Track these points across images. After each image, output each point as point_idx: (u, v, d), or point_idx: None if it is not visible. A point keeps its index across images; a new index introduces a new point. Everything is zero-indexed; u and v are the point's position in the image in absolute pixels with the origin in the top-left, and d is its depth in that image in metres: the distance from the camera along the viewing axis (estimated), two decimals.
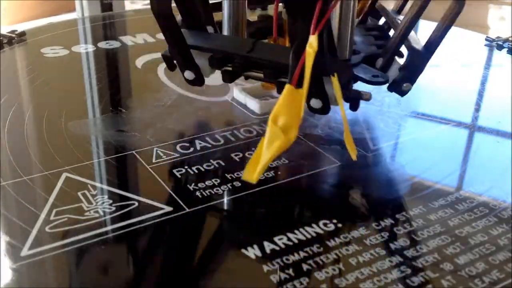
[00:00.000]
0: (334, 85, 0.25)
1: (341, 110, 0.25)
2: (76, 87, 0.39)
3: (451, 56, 0.47)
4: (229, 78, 0.31)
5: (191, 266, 0.22)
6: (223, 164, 0.29)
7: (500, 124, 0.34)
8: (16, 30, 0.48)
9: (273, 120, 0.22)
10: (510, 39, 0.48)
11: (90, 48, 0.46)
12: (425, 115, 0.35)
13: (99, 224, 0.24)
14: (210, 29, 0.33)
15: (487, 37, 0.50)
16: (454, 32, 0.53)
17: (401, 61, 0.31)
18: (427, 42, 0.29)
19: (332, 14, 0.28)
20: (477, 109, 0.37)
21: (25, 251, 0.22)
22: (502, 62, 0.46)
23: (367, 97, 0.28)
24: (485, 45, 0.49)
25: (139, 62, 0.43)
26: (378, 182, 0.28)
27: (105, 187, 0.27)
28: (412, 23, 0.28)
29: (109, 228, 0.24)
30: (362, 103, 0.29)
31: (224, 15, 0.32)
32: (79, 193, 0.26)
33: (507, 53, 0.47)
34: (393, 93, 0.31)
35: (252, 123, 0.33)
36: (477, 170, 0.29)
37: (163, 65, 0.42)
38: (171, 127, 0.33)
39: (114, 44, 0.47)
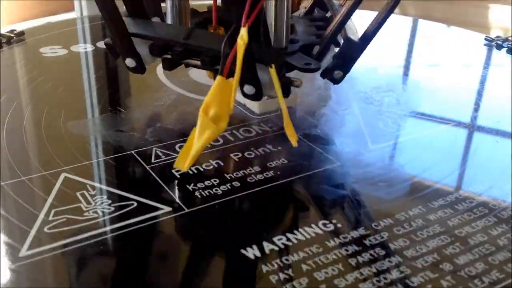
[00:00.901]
0: (272, 76, 0.25)
1: (280, 101, 0.25)
2: (75, 87, 0.39)
3: (450, 56, 0.47)
4: (169, 66, 0.31)
5: (190, 267, 0.22)
6: (222, 164, 0.29)
7: (499, 124, 0.34)
8: (15, 30, 0.48)
9: (203, 111, 0.23)
10: (509, 38, 0.48)
11: (89, 47, 0.46)
12: (425, 115, 0.35)
13: (98, 225, 0.24)
14: (157, 19, 0.33)
15: (486, 36, 0.50)
16: (454, 32, 0.54)
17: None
18: (363, 33, 0.30)
19: (268, 4, 0.28)
20: (476, 109, 0.37)
21: (23, 252, 0.22)
22: (501, 62, 0.45)
23: (298, 84, 0.28)
24: (484, 44, 0.49)
25: None
26: (378, 182, 0.28)
27: (104, 187, 0.27)
28: (348, 14, 0.29)
29: (108, 228, 0.24)
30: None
31: (168, 4, 0.32)
32: (78, 193, 0.26)
33: (507, 52, 0.47)
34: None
35: (251, 123, 0.33)
36: (476, 170, 0.29)
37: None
38: (170, 127, 0.33)
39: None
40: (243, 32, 0.22)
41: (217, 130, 0.23)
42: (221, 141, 0.31)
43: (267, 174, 0.28)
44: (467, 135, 0.33)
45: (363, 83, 0.39)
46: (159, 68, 0.41)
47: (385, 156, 0.30)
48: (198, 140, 0.22)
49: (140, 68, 0.32)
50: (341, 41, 0.31)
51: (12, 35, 0.47)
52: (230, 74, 0.23)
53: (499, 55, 0.47)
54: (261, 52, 0.27)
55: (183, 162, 0.23)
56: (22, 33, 0.48)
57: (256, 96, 0.29)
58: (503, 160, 0.30)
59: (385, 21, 0.29)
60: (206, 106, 0.23)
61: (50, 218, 0.24)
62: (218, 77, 0.23)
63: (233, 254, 0.22)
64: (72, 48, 0.46)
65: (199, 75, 0.40)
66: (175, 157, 0.29)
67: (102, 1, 0.29)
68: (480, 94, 0.39)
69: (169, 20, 0.33)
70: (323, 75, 0.31)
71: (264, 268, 0.22)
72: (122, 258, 0.23)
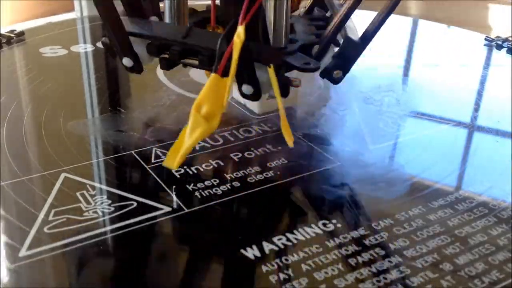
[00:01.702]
0: (270, 76, 0.25)
1: (278, 101, 0.25)
2: (75, 87, 0.39)
3: (450, 56, 0.47)
4: (166, 65, 0.31)
5: (190, 267, 0.22)
6: (222, 164, 0.29)
7: (499, 124, 0.34)
8: (15, 30, 0.48)
9: (196, 108, 0.22)
10: (509, 38, 0.48)
11: (89, 47, 0.46)
12: (425, 115, 0.35)
13: (98, 225, 0.24)
14: (155, 18, 0.33)
15: (486, 36, 0.49)
16: (454, 32, 0.54)
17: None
18: (363, 33, 0.29)
19: (267, 3, 0.28)
20: (476, 109, 0.37)
21: (23, 252, 0.22)
22: (501, 62, 0.45)
23: (297, 84, 0.28)
24: (484, 45, 0.49)
25: None
26: (378, 182, 0.28)
27: (104, 187, 0.27)
28: (348, 14, 0.29)
29: (108, 228, 0.24)
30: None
31: (166, 4, 0.32)
32: (77, 194, 0.26)
33: (507, 53, 0.47)
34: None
35: (251, 123, 0.33)
36: (476, 170, 0.29)
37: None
38: (170, 127, 0.33)
39: None
40: (240, 30, 0.22)
41: (209, 128, 0.22)
42: (221, 141, 0.31)
43: (267, 174, 0.28)
44: (467, 135, 0.33)
45: (363, 83, 0.39)
46: (159, 68, 0.41)
47: (385, 156, 0.30)
48: (189, 138, 0.22)
49: (137, 67, 0.31)
50: (341, 41, 0.31)
51: (12, 35, 0.47)
52: (226, 72, 0.23)
53: (499, 55, 0.47)
54: (259, 51, 0.27)
55: (173, 160, 0.22)
56: (22, 33, 0.48)
57: (255, 96, 0.29)
58: (503, 160, 0.30)
59: (385, 20, 0.29)
60: (199, 103, 0.22)
61: (50, 218, 0.24)
62: (212, 75, 0.23)
63: (233, 254, 0.22)
64: (72, 48, 0.46)
65: (199, 75, 0.40)
66: None
67: (100, 0, 0.29)
68: (480, 94, 0.39)
69: (167, 19, 0.32)
70: (323, 75, 0.30)
71: (264, 268, 0.22)
72: (122, 258, 0.23)
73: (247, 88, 0.28)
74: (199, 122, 0.22)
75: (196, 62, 0.30)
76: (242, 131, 0.32)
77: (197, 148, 0.30)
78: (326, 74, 0.30)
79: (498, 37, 0.49)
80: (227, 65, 0.22)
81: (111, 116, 0.34)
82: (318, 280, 0.21)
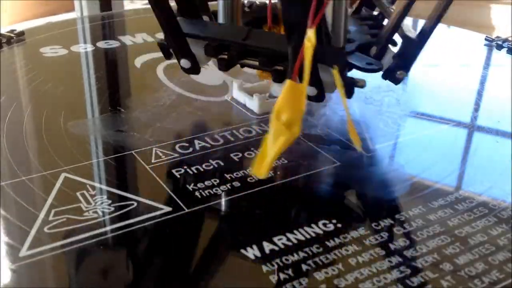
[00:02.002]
0: (335, 78, 0.24)
1: (343, 101, 0.25)
2: (75, 87, 0.39)
3: (450, 56, 0.47)
4: (224, 66, 0.31)
5: (190, 267, 0.22)
6: (222, 164, 0.29)
7: (499, 124, 0.34)
8: (15, 30, 0.48)
9: (276, 116, 0.22)
10: (509, 39, 0.48)
11: (89, 47, 0.46)
12: (425, 115, 0.35)
13: (98, 225, 0.24)
14: (205, 18, 0.33)
15: (486, 37, 0.49)
16: (454, 32, 0.54)
17: (395, 49, 0.31)
18: (420, 30, 0.29)
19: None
20: (476, 109, 0.37)
21: (23, 252, 0.22)
22: (501, 62, 0.45)
23: (362, 84, 0.28)
24: (484, 45, 0.49)
25: (138, 61, 0.43)
26: (378, 182, 0.28)
27: (104, 187, 0.27)
28: (405, 11, 0.29)
29: (108, 228, 0.24)
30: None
31: (219, 4, 0.32)
32: (78, 194, 0.26)
33: (507, 53, 0.47)
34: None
35: (251, 123, 0.33)
36: (476, 170, 0.29)
37: (162, 65, 0.42)
38: (170, 127, 0.33)
39: (113, 43, 0.47)
40: (310, 34, 0.21)
41: (291, 135, 0.22)
42: (221, 141, 0.31)
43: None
44: (467, 135, 0.33)
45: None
46: (159, 68, 0.41)
47: (385, 156, 0.30)
48: (273, 146, 0.22)
49: (195, 68, 0.31)
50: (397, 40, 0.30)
51: (12, 35, 0.47)
52: (299, 78, 0.22)
53: (499, 55, 0.47)
54: (322, 53, 0.26)
55: (260, 169, 0.22)
56: (22, 33, 0.48)
57: (318, 97, 0.28)
58: (503, 160, 0.30)
59: (442, 16, 0.28)
60: (278, 111, 0.22)
61: (50, 218, 0.24)
62: (288, 81, 0.22)
63: (233, 254, 0.22)
64: (72, 48, 0.46)
65: (199, 75, 0.40)
66: (175, 157, 0.29)
67: (158, 4, 0.29)
68: (480, 94, 0.39)
69: (220, 19, 0.32)
70: (385, 76, 0.30)
71: (264, 268, 0.22)
72: (122, 258, 0.23)
73: (311, 90, 0.28)
74: (281, 130, 0.22)
75: (255, 63, 0.30)
76: (242, 131, 0.32)
77: (197, 148, 0.30)
78: (389, 74, 0.30)
79: (498, 37, 0.49)
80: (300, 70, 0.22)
81: (111, 116, 0.34)
82: (318, 280, 0.21)
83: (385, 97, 0.37)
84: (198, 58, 0.31)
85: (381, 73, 0.30)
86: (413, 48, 0.29)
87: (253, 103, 0.35)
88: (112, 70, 0.43)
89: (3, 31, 0.47)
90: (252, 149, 0.30)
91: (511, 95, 0.38)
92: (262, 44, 0.29)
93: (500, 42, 0.48)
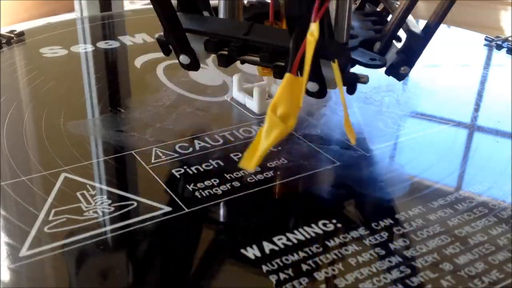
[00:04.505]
0: (334, 71, 0.24)
1: (341, 96, 0.24)
2: (75, 87, 0.39)
3: (450, 56, 0.47)
4: (225, 62, 0.31)
5: (190, 267, 0.22)
6: (222, 164, 0.29)
7: (499, 124, 0.34)
8: (15, 30, 0.48)
9: (272, 109, 0.22)
10: (509, 39, 0.48)
11: (89, 48, 0.46)
12: (425, 115, 0.35)
13: (98, 225, 0.24)
14: (206, 14, 0.33)
15: (486, 37, 0.49)
16: (454, 32, 0.54)
17: (399, 45, 0.31)
18: (425, 26, 0.29)
19: None
20: (476, 109, 0.37)
21: (23, 252, 0.22)
22: (501, 62, 0.45)
23: (364, 80, 0.28)
24: (484, 45, 0.49)
25: (138, 62, 0.43)
26: (378, 182, 0.28)
27: (104, 187, 0.27)
28: (410, 7, 0.28)
29: (108, 228, 0.24)
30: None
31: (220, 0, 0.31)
32: (78, 194, 0.26)
33: (507, 53, 0.47)
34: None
35: (251, 123, 0.33)
36: (476, 170, 0.29)
37: (162, 65, 0.42)
38: (170, 127, 0.33)
39: (113, 44, 0.47)
40: (314, 28, 0.21)
41: (285, 129, 0.22)
42: (221, 141, 0.31)
43: (267, 174, 0.28)
44: (467, 135, 0.33)
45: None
46: (159, 68, 0.41)
47: (385, 156, 0.30)
48: (266, 139, 0.21)
49: (194, 64, 0.31)
50: (401, 35, 0.30)
51: (12, 35, 0.47)
52: (299, 72, 0.22)
53: (499, 55, 0.47)
54: (325, 47, 0.25)
55: (249, 162, 0.22)
56: (22, 33, 0.48)
57: (320, 93, 0.28)
58: (503, 160, 0.30)
59: (448, 11, 0.28)
60: (275, 104, 0.22)
61: (50, 218, 0.24)
62: (287, 75, 0.22)
63: (233, 254, 0.22)
64: (72, 49, 0.46)
65: (199, 75, 0.40)
66: (175, 157, 0.29)
67: None
68: (480, 94, 0.39)
69: (221, 14, 0.32)
70: (388, 72, 0.29)
71: (264, 268, 0.22)
72: (122, 258, 0.23)
73: (312, 86, 0.27)
74: (276, 123, 0.21)
75: (256, 59, 0.29)
76: (242, 131, 0.32)
77: (197, 148, 0.30)
78: (393, 70, 0.29)
79: (498, 37, 0.49)
80: (300, 64, 0.21)
81: (111, 116, 0.34)
82: (318, 280, 0.21)
83: (385, 97, 0.37)
84: (198, 54, 0.31)
85: (382, 71, 0.29)
86: (417, 43, 0.29)
87: (253, 103, 0.35)
88: (112, 71, 0.43)
89: (3, 32, 0.47)
90: None
91: (511, 95, 0.38)
92: (263, 39, 0.29)
93: (500, 42, 0.48)
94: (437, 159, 0.30)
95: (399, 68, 0.29)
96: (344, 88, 0.28)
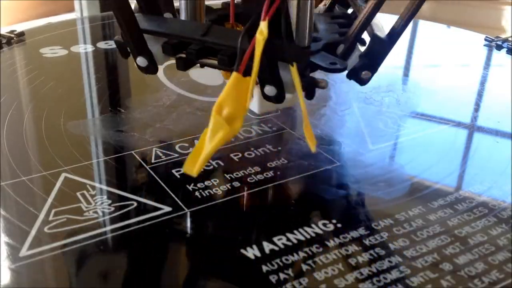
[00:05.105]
0: (293, 75, 0.23)
1: (300, 101, 0.24)
2: (75, 87, 0.39)
3: (450, 56, 0.47)
4: (183, 65, 0.30)
5: (190, 267, 0.22)
6: (222, 164, 0.29)
7: (499, 124, 0.34)
8: (15, 30, 0.48)
9: (216, 110, 0.21)
10: (509, 39, 0.48)
11: (89, 48, 0.46)
12: (425, 115, 0.35)
13: (98, 225, 0.24)
14: (169, 15, 0.32)
15: (486, 37, 0.50)
16: (454, 32, 0.54)
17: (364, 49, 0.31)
18: (390, 30, 0.28)
19: (290, 0, 0.26)
20: (476, 109, 0.37)
21: (23, 252, 0.22)
22: (501, 62, 0.46)
23: (323, 85, 0.27)
24: (484, 45, 0.49)
25: None
26: (378, 182, 0.28)
27: (104, 187, 0.27)
28: (374, 10, 0.27)
29: (108, 228, 0.24)
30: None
31: (182, 1, 0.30)
32: (78, 194, 0.26)
33: (507, 53, 0.47)
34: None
35: (251, 123, 0.33)
36: (476, 170, 0.29)
37: (162, 65, 0.42)
38: (170, 127, 0.33)
39: (113, 44, 0.47)
40: (262, 26, 0.21)
41: (231, 131, 0.21)
42: None
43: (267, 174, 0.28)
44: (467, 135, 0.33)
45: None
46: (159, 69, 0.41)
47: (385, 156, 0.30)
48: (210, 142, 0.21)
49: (152, 68, 0.30)
50: (367, 39, 0.29)
51: (12, 35, 0.47)
52: (247, 71, 0.21)
53: (499, 56, 0.47)
54: (283, 50, 0.25)
55: (192, 166, 0.21)
56: (22, 33, 0.48)
57: (278, 98, 0.27)
58: (503, 160, 0.30)
59: (413, 16, 0.27)
60: (220, 105, 0.21)
61: (50, 218, 0.24)
62: (234, 74, 0.21)
63: (233, 254, 0.22)
64: (72, 49, 0.46)
65: (199, 75, 0.40)
66: (175, 157, 0.29)
67: None
68: (480, 94, 0.39)
69: (183, 16, 0.31)
70: (349, 76, 0.29)
71: (264, 268, 0.22)
72: (122, 258, 0.23)
73: (270, 89, 0.27)
74: (221, 124, 0.21)
75: (215, 62, 0.28)
76: (242, 131, 0.32)
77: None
78: (354, 74, 0.29)
79: (498, 37, 0.49)
80: (249, 64, 0.21)
81: (111, 116, 0.34)
82: (319, 280, 0.21)
83: (385, 97, 0.37)
84: (156, 57, 0.30)
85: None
86: (381, 47, 0.28)
87: (253, 103, 0.35)
88: (112, 71, 0.43)
89: (3, 32, 0.47)
90: (252, 149, 0.30)
91: (511, 95, 0.38)
92: (222, 41, 0.28)
93: (500, 42, 0.48)
94: (437, 159, 0.30)
95: (360, 73, 0.29)
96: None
